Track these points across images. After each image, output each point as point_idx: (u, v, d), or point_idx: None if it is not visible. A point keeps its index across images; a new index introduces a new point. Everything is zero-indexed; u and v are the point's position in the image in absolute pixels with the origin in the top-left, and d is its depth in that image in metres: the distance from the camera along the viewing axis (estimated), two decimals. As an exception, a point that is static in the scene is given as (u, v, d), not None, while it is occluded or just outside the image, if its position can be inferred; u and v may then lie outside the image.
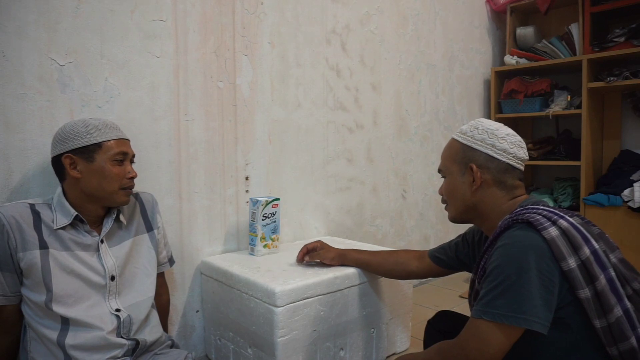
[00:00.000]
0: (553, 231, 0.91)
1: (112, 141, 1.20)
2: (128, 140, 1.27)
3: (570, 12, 2.94)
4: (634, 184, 2.56)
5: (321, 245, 1.63)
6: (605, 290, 0.89)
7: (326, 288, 1.47)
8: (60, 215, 1.17)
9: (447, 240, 1.41)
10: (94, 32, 1.43)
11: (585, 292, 0.89)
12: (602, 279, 0.90)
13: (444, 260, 1.36)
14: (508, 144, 1.07)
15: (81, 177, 1.17)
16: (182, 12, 1.63)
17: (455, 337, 1.14)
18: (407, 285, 1.78)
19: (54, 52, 1.35)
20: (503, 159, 1.06)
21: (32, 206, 1.17)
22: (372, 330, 1.65)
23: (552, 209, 0.98)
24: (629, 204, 2.56)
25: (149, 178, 1.58)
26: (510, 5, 3.10)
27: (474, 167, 1.07)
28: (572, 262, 0.90)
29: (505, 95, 3.11)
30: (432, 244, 2.78)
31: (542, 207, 0.99)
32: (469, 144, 1.09)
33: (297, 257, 1.62)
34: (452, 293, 2.55)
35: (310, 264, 1.61)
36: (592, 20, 2.75)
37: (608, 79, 2.64)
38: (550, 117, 2.88)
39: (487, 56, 3.22)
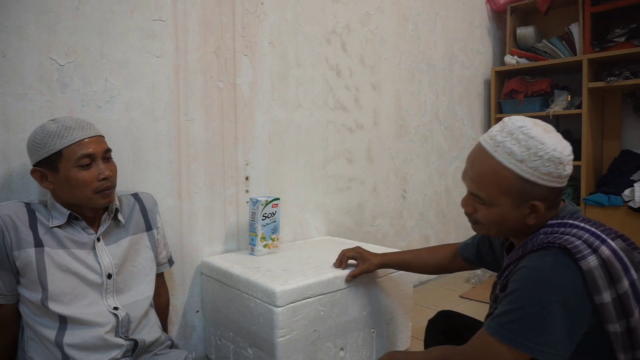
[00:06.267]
0: (592, 261, 0.83)
1: (72, 146, 1.11)
2: (95, 137, 1.16)
3: (570, 12, 2.94)
4: (635, 184, 2.56)
5: (360, 254, 1.54)
6: (638, 325, 0.84)
7: (326, 288, 1.47)
8: (56, 213, 1.17)
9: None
10: (94, 32, 1.43)
11: (615, 327, 0.84)
12: (637, 313, 0.84)
13: (470, 260, 1.32)
14: (570, 167, 0.91)
15: (54, 188, 1.15)
16: (182, 12, 1.63)
17: (456, 337, 1.13)
18: (407, 285, 1.78)
19: (54, 52, 1.35)
20: (562, 185, 0.92)
21: (27, 205, 1.17)
22: (372, 330, 1.65)
23: (594, 230, 0.88)
24: (629, 204, 2.56)
25: (149, 178, 1.58)
26: (510, 5, 3.10)
27: (538, 204, 0.91)
28: (606, 297, 0.83)
29: (506, 95, 3.11)
30: (432, 244, 2.78)
31: (582, 226, 0.89)
32: (533, 178, 0.89)
33: (335, 263, 1.57)
34: (452, 293, 2.55)
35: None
36: (592, 20, 2.75)
37: (608, 78, 2.64)
38: (551, 117, 2.88)
39: (487, 56, 3.22)
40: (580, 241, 0.85)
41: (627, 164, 2.77)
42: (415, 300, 2.03)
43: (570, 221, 0.91)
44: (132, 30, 1.51)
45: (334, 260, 1.59)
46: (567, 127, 3.09)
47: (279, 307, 1.36)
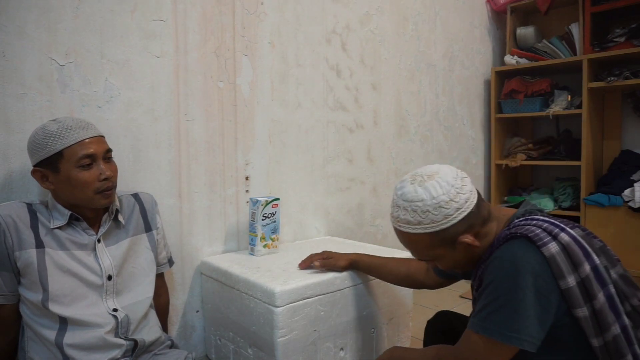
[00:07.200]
0: (553, 247, 0.88)
1: (73, 146, 1.11)
2: (96, 137, 1.16)
3: (570, 12, 2.94)
4: (635, 184, 2.56)
5: (329, 254, 1.54)
6: (604, 308, 0.87)
7: (326, 288, 1.47)
8: (57, 214, 1.17)
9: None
10: (94, 32, 1.43)
11: (583, 311, 0.87)
12: (601, 297, 0.87)
13: (444, 273, 1.32)
14: (462, 193, 0.95)
15: (54, 188, 1.15)
16: (182, 12, 1.63)
17: (455, 337, 1.14)
18: (407, 285, 1.78)
19: (54, 52, 1.35)
20: (470, 209, 0.95)
21: (29, 206, 1.17)
22: (372, 330, 1.65)
23: (552, 220, 0.94)
24: (629, 204, 2.56)
25: (149, 178, 1.58)
26: (510, 5, 3.10)
27: (462, 239, 0.96)
28: (571, 281, 0.87)
29: (506, 95, 3.11)
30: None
31: (541, 218, 0.95)
32: (439, 227, 0.95)
33: (301, 264, 1.54)
34: (452, 293, 2.55)
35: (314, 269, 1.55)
36: (593, 20, 2.75)
37: (608, 78, 2.64)
38: (551, 117, 2.88)
39: (487, 56, 3.22)
40: (540, 229, 0.91)
41: (627, 164, 2.77)
42: (415, 300, 2.03)
43: (531, 216, 0.97)
44: (132, 30, 1.51)
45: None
46: (567, 127, 3.09)
47: (278, 307, 1.36)
